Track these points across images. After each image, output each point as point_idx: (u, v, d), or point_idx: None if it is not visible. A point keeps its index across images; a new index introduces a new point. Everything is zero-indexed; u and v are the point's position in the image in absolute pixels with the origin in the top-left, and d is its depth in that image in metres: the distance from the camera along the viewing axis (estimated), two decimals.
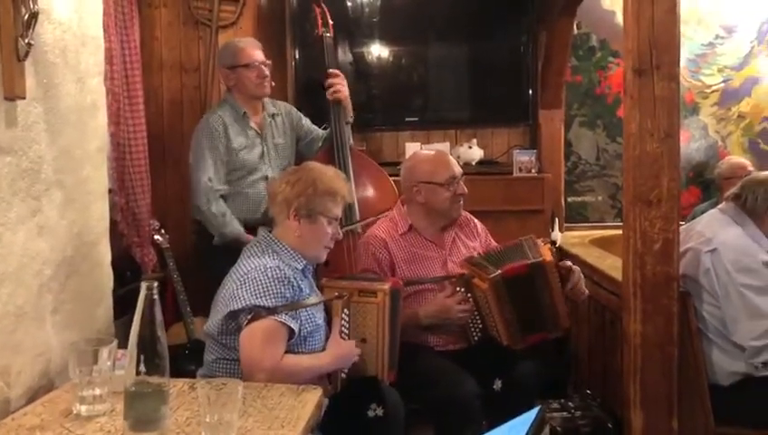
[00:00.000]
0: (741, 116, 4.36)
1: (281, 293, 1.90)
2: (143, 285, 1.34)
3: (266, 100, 3.08)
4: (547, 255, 2.41)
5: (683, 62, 3.02)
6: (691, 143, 4.35)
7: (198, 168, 2.87)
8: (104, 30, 2.13)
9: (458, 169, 2.58)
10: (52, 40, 1.75)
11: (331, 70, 3.15)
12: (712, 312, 2.34)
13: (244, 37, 3.25)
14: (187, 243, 3.30)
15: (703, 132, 4.38)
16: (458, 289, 2.43)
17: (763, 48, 4.31)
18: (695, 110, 4.36)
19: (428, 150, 2.74)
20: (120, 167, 3.09)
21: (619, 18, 3.92)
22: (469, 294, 2.42)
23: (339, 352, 1.98)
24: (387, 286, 2.13)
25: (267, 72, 2.99)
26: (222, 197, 2.88)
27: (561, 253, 2.51)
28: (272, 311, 1.86)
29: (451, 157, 2.68)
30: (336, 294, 2.05)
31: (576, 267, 2.46)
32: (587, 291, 2.51)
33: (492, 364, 2.39)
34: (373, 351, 2.12)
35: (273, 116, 3.09)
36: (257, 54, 2.98)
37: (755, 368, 2.25)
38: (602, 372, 3.02)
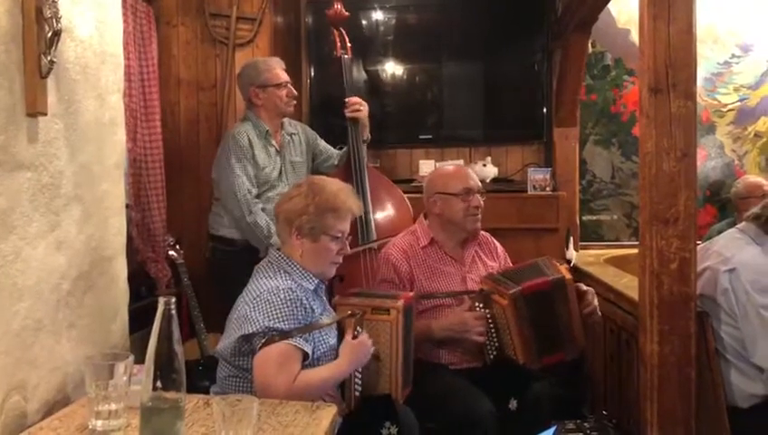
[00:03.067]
0: (757, 135, 4.35)
1: (293, 315, 1.88)
2: (161, 301, 1.34)
3: (285, 119, 3.13)
4: (566, 273, 2.41)
5: (699, 81, 3.01)
6: (707, 162, 4.33)
7: (234, 182, 2.90)
8: (123, 47, 2.15)
9: (475, 183, 2.60)
10: (73, 57, 1.78)
11: (351, 97, 3.20)
12: (730, 332, 2.32)
13: (266, 57, 3.30)
14: (201, 259, 3.31)
15: (719, 151, 4.36)
16: (477, 304, 2.43)
17: None
18: (711, 129, 4.35)
19: (450, 165, 2.74)
20: (136, 182, 3.12)
21: (634, 37, 3.93)
22: (487, 311, 2.41)
23: (354, 351, 1.96)
24: (400, 303, 2.12)
25: (294, 91, 3.08)
26: None
27: (576, 273, 2.50)
28: (285, 334, 1.85)
29: (471, 171, 2.70)
30: (349, 312, 2.04)
31: (590, 289, 2.46)
32: (600, 312, 2.50)
33: (507, 383, 2.37)
34: (387, 368, 2.11)
35: (291, 135, 3.17)
36: (285, 74, 3.08)
37: None
38: (618, 392, 2.98)
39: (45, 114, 1.62)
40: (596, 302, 2.47)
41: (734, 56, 4.33)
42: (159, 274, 3.20)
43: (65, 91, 1.74)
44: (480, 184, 2.64)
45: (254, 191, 2.92)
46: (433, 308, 2.48)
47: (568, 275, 2.41)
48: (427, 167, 4.22)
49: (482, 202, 2.58)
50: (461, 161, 4.23)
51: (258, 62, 3.14)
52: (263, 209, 2.92)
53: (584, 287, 2.48)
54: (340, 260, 2.10)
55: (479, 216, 2.59)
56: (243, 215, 2.88)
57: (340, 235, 2.04)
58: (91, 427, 1.48)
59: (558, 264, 2.51)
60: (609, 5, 3.72)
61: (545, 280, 2.39)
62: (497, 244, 2.75)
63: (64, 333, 1.74)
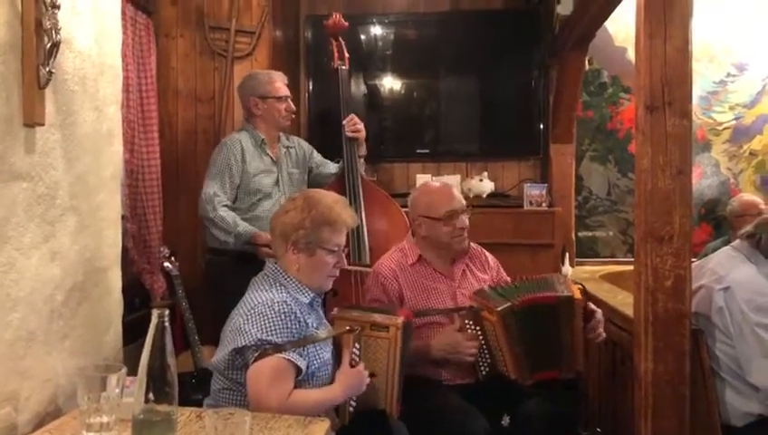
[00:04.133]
0: (752, 153, 4.37)
1: (287, 328, 1.86)
2: (154, 313, 1.34)
3: (281, 133, 3.18)
4: (577, 293, 2.39)
5: (695, 100, 3.04)
6: (703, 180, 4.34)
7: (206, 183, 2.96)
8: (122, 59, 2.16)
9: (460, 204, 2.55)
10: (72, 68, 1.78)
11: (349, 116, 3.22)
12: (725, 350, 2.32)
13: (265, 69, 3.33)
14: (196, 271, 3.31)
15: (715, 169, 4.37)
16: (467, 322, 2.41)
17: None
18: (706, 147, 4.37)
19: (434, 183, 2.70)
20: (132, 194, 3.12)
21: (631, 55, 3.96)
22: (478, 327, 2.40)
23: (349, 381, 1.95)
24: (400, 321, 2.09)
25: (293, 106, 3.14)
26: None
27: (588, 296, 2.47)
28: (279, 348, 1.83)
29: (455, 190, 2.61)
30: (347, 328, 2.02)
31: (599, 310, 2.45)
32: (604, 334, 2.48)
33: (500, 400, 2.36)
34: (382, 384, 2.10)
35: (287, 148, 3.21)
36: (287, 89, 3.14)
37: None
38: (613, 409, 2.98)
39: (43, 125, 1.63)
40: (602, 323, 2.44)
41: (729, 75, 4.36)
42: (154, 285, 3.19)
43: (63, 102, 1.74)
44: (464, 202, 2.58)
45: (222, 197, 2.94)
46: (424, 326, 2.45)
47: (578, 296, 2.39)
48: (423, 181, 4.22)
49: (467, 221, 2.54)
50: (458, 176, 4.24)
51: (261, 74, 3.18)
52: (263, 218, 2.92)
53: (593, 307, 2.43)
54: (337, 273, 2.10)
55: (465, 235, 2.56)
56: (206, 212, 2.92)
57: (336, 248, 2.04)
58: None
59: (572, 283, 2.47)
60: (607, 23, 3.75)
61: (553, 295, 2.36)
62: (489, 255, 2.73)
63: (57, 345, 1.74)
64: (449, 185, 2.65)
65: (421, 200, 2.60)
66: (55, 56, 1.59)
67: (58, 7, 1.58)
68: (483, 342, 2.39)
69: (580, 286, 2.45)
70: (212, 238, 3.05)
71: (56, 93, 1.70)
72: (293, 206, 2.05)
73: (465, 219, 2.53)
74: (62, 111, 1.74)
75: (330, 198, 2.09)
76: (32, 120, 1.58)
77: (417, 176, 4.26)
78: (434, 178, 4.20)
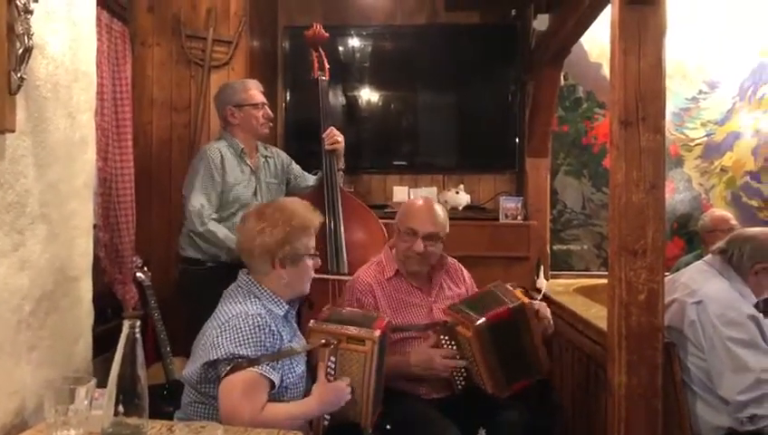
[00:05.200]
0: (723, 169, 4.44)
1: (261, 341, 1.84)
2: (125, 324, 1.32)
3: (259, 143, 3.16)
4: (522, 296, 2.40)
5: (668, 116, 3.06)
6: (675, 195, 4.41)
7: (192, 196, 2.92)
8: (96, 66, 2.14)
9: (424, 228, 2.48)
10: (44, 75, 1.76)
11: (329, 128, 3.21)
12: (697, 364, 2.34)
13: (243, 79, 3.33)
14: (169, 281, 3.27)
15: (687, 184, 4.44)
16: (442, 338, 2.41)
17: (745, 104, 4.41)
18: (679, 162, 4.43)
19: (423, 201, 2.63)
20: (105, 202, 3.07)
21: (606, 70, 4.01)
22: (453, 343, 2.40)
23: (326, 397, 1.92)
24: (376, 334, 2.07)
25: (270, 113, 3.12)
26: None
27: (546, 301, 2.49)
28: (252, 361, 1.81)
29: (436, 216, 2.54)
30: (323, 341, 2.00)
31: (542, 303, 2.46)
32: (552, 326, 2.49)
33: (476, 413, 2.36)
34: (357, 398, 2.07)
35: (266, 158, 3.20)
36: (262, 96, 3.12)
37: (740, 423, 2.23)
38: (587, 422, 2.99)
39: (13, 131, 1.60)
40: (548, 314, 2.45)
41: (701, 92, 4.44)
42: (126, 296, 3.14)
43: (35, 109, 1.71)
44: (434, 231, 2.50)
45: (210, 210, 2.91)
46: (399, 341, 2.45)
47: (525, 299, 2.39)
48: (400, 193, 4.24)
49: (422, 248, 2.47)
50: (434, 189, 4.26)
51: (236, 83, 3.17)
52: (230, 230, 2.89)
53: (536, 304, 2.44)
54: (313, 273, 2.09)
55: (421, 260, 2.51)
56: (195, 226, 2.89)
57: (313, 250, 2.05)
58: None
59: (511, 288, 2.47)
60: (582, 40, 3.80)
61: (506, 308, 2.36)
62: (464, 270, 2.73)
63: (24, 356, 1.70)
64: (434, 210, 2.55)
65: (401, 211, 2.63)
66: (27, 62, 1.56)
67: (31, 12, 1.55)
68: (458, 356, 2.39)
69: (522, 289, 2.47)
70: (186, 247, 3.02)
71: (28, 100, 1.67)
72: (266, 223, 1.99)
73: (421, 245, 2.47)
74: (33, 117, 1.71)
75: (298, 204, 2.08)
76: (2, 126, 1.55)
77: (395, 188, 4.27)
78: (411, 190, 4.22)
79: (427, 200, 2.64)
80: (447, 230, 2.57)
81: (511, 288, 2.47)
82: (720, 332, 2.27)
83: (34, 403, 1.69)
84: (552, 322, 2.48)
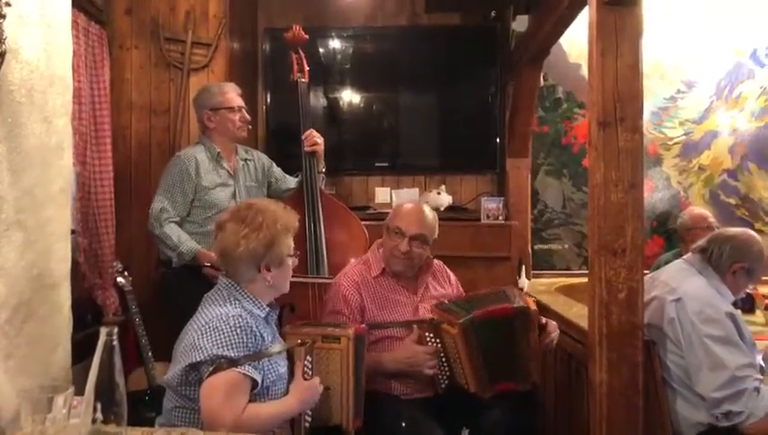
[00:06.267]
0: (701, 168, 4.49)
1: (243, 342, 1.84)
2: (102, 331, 1.30)
3: (239, 146, 3.15)
4: (532, 304, 2.42)
5: (646, 115, 3.10)
6: (654, 193, 4.45)
7: (156, 198, 2.94)
8: (74, 70, 2.12)
9: (411, 229, 2.50)
10: (18, 79, 1.74)
11: (308, 130, 3.19)
12: (676, 361, 2.36)
13: (221, 82, 3.30)
14: (149, 286, 3.24)
15: (666, 183, 4.48)
16: (426, 334, 2.41)
17: (722, 103, 4.47)
18: (658, 161, 4.48)
19: (418, 204, 2.68)
20: (84, 207, 3.04)
21: (585, 71, 4.04)
22: (438, 340, 2.40)
23: (303, 395, 1.93)
24: (350, 332, 2.10)
25: (248, 116, 3.11)
26: (191, 233, 2.93)
27: (541, 309, 2.51)
28: (234, 362, 1.80)
29: (426, 219, 2.55)
30: (299, 341, 2.01)
31: (553, 322, 2.47)
32: (555, 341, 2.52)
33: (459, 413, 2.36)
34: (338, 398, 2.08)
35: (246, 160, 3.18)
36: (240, 99, 3.11)
37: (717, 419, 2.25)
38: (568, 420, 3.01)
39: None
40: (556, 335, 2.48)
41: (679, 91, 4.48)
42: (107, 301, 3.12)
43: (9, 114, 1.70)
44: (423, 233, 2.51)
45: (171, 213, 2.92)
46: (384, 339, 2.46)
47: (533, 307, 2.42)
48: (382, 194, 4.23)
49: (409, 249, 2.48)
50: (416, 190, 4.27)
51: (213, 86, 3.16)
52: (208, 234, 2.87)
53: (546, 319, 2.47)
54: None
55: (405, 261, 2.52)
56: (152, 228, 2.90)
57: (293, 250, 2.05)
58: None
59: (525, 296, 2.51)
60: (561, 40, 3.82)
61: (510, 307, 2.38)
62: (450, 272, 2.75)
63: (0, 364, 1.68)
64: (424, 213, 2.57)
65: (393, 211, 2.65)
66: (0, 67, 1.55)
67: (3, 17, 1.54)
68: (442, 355, 2.39)
69: (534, 299, 2.48)
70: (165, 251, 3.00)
71: (1, 105, 1.66)
72: (248, 228, 1.95)
73: (404, 245, 2.49)
74: (7, 123, 1.69)
75: (274, 205, 2.06)
76: None
77: (377, 189, 4.27)
78: (393, 191, 4.22)
79: (418, 204, 2.69)
80: (436, 235, 2.58)
81: (524, 295, 2.51)
82: (698, 329, 2.30)
83: (11, 413, 1.67)
84: (554, 342, 2.48)
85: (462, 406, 2.37)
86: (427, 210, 2.60)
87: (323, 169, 3.23)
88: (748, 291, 2.93)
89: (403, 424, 2.25)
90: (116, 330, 1.31)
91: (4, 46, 1.54)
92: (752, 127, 4.45)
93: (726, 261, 2.44)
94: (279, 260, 1.99)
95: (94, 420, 1.29)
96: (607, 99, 2.31)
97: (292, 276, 2.09)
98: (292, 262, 2.06)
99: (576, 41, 4.15)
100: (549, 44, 3.69)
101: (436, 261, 2.72)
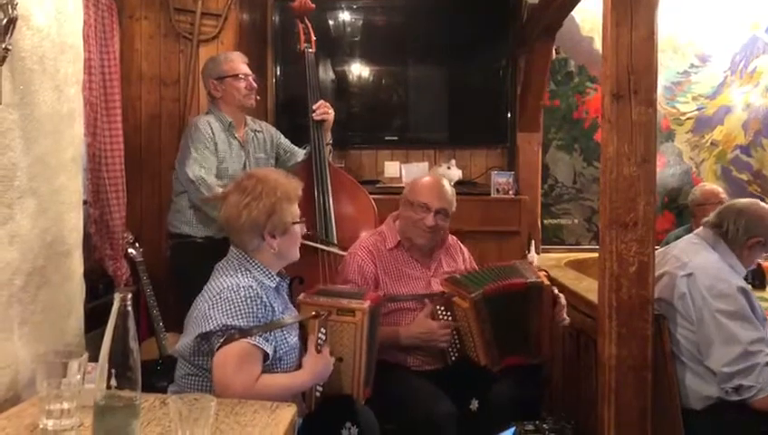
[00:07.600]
0: (713, 144, 4.45)
1: (253, 312, 1.85)
2: (116, 296, 1.31)
3: (248, 117, 3.13)
4: (544, 279, 2.42)
5: (659, 90, 3.05)
6: (666, 169, 4.42)
7: (188, 166, 2.88)
8: (84, 40, 2.10)
9: (437, 204, 2.51)
10: (30, 46, 1.73)
11: (319, 101, 3.17)
12: (686, 336, 2.36)
13: (229, 51, 3.27)
14: (160, 257, 3.25)
15: (678, 158, 4.45)
16: (438, 308, 2.42)
17: (736, 78, 4.42)
18: (670, 136, 4.44)
19: (436, 177, 2.70)
20: (95, 178, 3.04)
21: (597, 44, 3.99)
22: (449, 314, 2.41)
23: (316, 368, 1.93)
24: (366, 305, 2.09)
25: (255, 84, 3.07)
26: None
27: (551, 282, 2.52)
28: (245, 332, 1.81)
29: (446, 193, 2.57)
30: (313, 313, 2.00)
31: (561, 295, 2.48)
32: (567, 319, 2.52)
33: (468, 385, 2.38)
34: (349, 369, 2.09)
35: (255, 132, 3.17)
36: (246, 67, 3.07)
37: (726, 393, 2.25)
38: (577, 394, 3.02)
39: None
40: (565, 308, 2.49)
41: (692, 66, 4.43)
42: (118, 272, 3.12)
43: (21, 81, 1.69)
44: (446, 208, 2.54)
45: (210, 170, 2.89)
46: (395, 311, 2.47)
47: (546, 282, 2.42)
48: (392, 168, 4.23)
49: (434, 223, 2.50)
50: (426, 164, 4.25)
51: (219, 56, 3.14)
52: None
53: (557, 292, 2.48)
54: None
55: (429, 234, 2.53)
56: (202, 195, 2.84)
57: (300, 217, 2.04)
58: (41, 426, 1.44)
59: (536, 269, 2.50)
60: (574, 13, 3.77)
61: (521, 281, 2.39)
62: (463, 247, 2.76)
63: (16, 330, 1.69)
64: (445, 187, 2.59)
65: (412, 185, 2.64)
66: (12, 33, 1.54)
67: None
68: (453, 328, 2.40)
69: (545, 272, 2.48)
70: (177, 223, 3.01)
71: (13, 72, 1.65)
72: (250, 196, 1.96)
73: (431, 219, 2.50)
74: (19, 90, 1.68)
75: (276, 173, 2.07)
76: None
77: (386, 163, 4.26)
78: (402, 165, 4.20)
79: (437, 177, 2.69)
80: (454, 208, 2.59)
81: (536, 269, 2.52)
82: (709, 304, 2.29)
83: (27, 377, 1.69)
84: (566, 317, 2.50)
85: (471, 378, 2.39)
86: (447, 184, 2.61)
87: (330, 141, 3.22)
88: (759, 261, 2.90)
89: (412, 395, 2.27)
90: (130, 296, 1.32)
91: (15, 12, 1.53)
92: (766, 102, 4.40)
93: (743, 236, 2.42)
94: (283, 228, 1.98)
95: (109, 386, 1.30)
96: (621, 71, 2.28)
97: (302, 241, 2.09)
98: (300, 229, 2.05)
99: (589, 13, 4.09)
100: (562, 17, 3.64)
101: (450, 236, 2.72)
